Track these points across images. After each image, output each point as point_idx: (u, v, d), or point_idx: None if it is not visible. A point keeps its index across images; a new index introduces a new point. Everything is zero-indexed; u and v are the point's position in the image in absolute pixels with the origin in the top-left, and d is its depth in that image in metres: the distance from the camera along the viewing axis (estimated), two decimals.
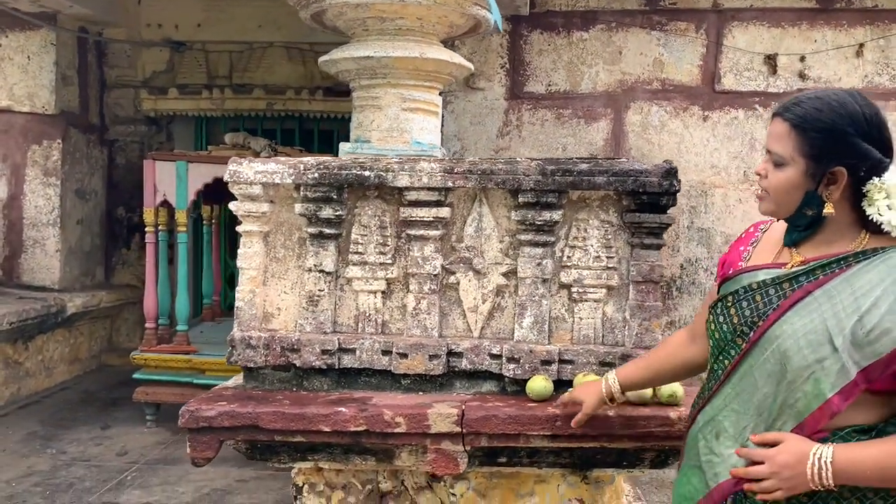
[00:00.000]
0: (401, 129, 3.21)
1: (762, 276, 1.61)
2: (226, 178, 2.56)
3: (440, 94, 3.42)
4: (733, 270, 1.70)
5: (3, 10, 5.07)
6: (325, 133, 6.22)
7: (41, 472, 3.90)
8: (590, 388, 2.08)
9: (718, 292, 1.72)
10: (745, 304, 1.61)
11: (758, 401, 1.56)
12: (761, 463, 1.49)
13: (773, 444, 1.50)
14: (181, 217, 4.60)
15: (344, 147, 3.30)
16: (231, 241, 6.09)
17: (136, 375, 4.66)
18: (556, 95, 5.06)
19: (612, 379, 2.02)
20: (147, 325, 4.70)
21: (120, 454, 4.20)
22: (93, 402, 5.28)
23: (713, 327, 1.69)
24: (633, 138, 4.99)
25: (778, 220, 1.68)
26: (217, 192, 4.87)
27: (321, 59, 3.45)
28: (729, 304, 1.65)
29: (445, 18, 3.20)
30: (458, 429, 2.28)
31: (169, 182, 4.56)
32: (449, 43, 3.61)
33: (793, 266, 1.58)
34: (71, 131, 5.79)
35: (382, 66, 3.13)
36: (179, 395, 4.65)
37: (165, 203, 4.63)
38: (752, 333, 1.57)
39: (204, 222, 5.43)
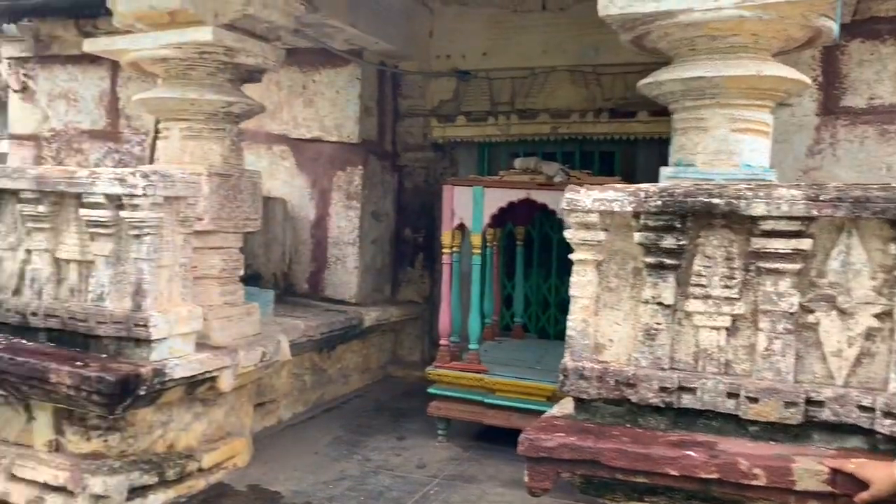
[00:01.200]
0: (729, 151, 3.01)
1: None
2: (562, 205, 2.55)
3: (770, 112, 3.17)
4: None
5: (320, 48, 5.60)
6: (605, 155, 6.12)
7: (353, 477, 4.19)
8: (882, 470, 1.90)
9: None
10: None
11: None
12: None
13: None
14: (476, 240, 4.74)
15: (665, 171, 3.16)
16: (507, 263, 6.19)
17: (430, 390, 4.86)
18: (880, 109, 4.53)
19: None
20: (441, 342, 4.89)
21: (419, 466, 4.39)
22: (384, 411, 5.61)
23: None
24: None
25: None
26: (500, 216, 4.97)
27: (641, 82, 3.35)
28: None
29: (784, 32, 2.96)
30: (829, 488, 2.04)
31: (465, 206, 4.73)
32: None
33: None
34: (370, 158, 6.26)
35: (712, 86, 2.96)
36: (469, 412, 4.78)
37: (461, 226, 4.80)
38: None
39: (488, 245, 5.57)
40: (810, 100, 4.67)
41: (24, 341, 3.57)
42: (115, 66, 6.97)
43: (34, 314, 3.55)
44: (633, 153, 5.97)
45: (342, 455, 4.59)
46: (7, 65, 7.52)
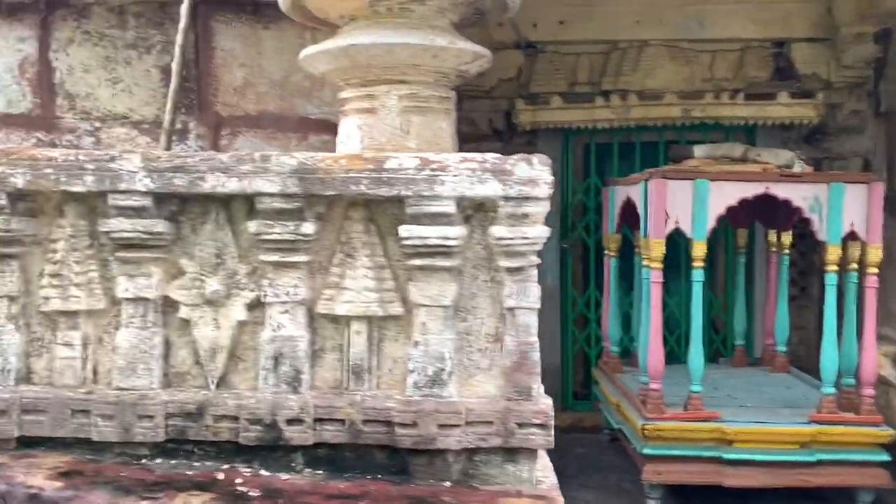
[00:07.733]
0: None
1: None
2: None
3: None
4: None
5: None
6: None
7: None
8: None
9: None
10: None
11: None
12: None
13: None
14: (699, 249, 3.67)
15: None
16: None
17: (646, 451, 3.70)
18: None
19: None
20: (652, 385, 3.74)
21: None
22: None
23: None
24: None
25: None
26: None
27: None
28: None
29: None
30: None
31: (684, 206, 3.64)
32: None
33: None
34: None
35: None
36: (700, 473, 3.70)
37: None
38: None
39: (740, 251, 4.91)
40: None
41: (279, 475, 1.93)
42: (44, 22, 4.89)
43: (294, 420, 1.91)
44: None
45: None
46: None
